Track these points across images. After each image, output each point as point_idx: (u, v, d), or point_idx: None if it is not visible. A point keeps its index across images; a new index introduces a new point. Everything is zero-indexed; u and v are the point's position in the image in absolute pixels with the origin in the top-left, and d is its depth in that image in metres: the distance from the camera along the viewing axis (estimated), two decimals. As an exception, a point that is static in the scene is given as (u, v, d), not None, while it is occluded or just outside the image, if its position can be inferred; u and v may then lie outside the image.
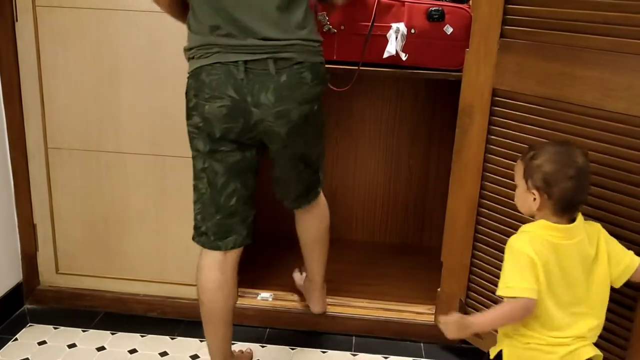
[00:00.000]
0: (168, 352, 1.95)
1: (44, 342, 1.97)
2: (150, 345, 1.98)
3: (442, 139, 1.93)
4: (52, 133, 2.00)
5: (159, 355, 1.93)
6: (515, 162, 1.71)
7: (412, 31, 1.96)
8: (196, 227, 1.62)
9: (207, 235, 1.59)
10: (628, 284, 1.41)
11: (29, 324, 2.07)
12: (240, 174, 1.55)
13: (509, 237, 1.65)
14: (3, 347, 1.94)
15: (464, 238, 1.86)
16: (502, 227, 1.76)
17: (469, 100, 1.79)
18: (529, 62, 1.64)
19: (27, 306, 2.14)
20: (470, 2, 1.93)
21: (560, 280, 1.31)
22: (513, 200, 1.71)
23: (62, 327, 2.05)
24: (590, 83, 1.52)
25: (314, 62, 1.49)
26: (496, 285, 1.77)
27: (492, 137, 1.75)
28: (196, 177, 1.58)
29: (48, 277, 2.14)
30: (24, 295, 2.14)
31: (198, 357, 1.93)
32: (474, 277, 1.87)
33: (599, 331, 1.38)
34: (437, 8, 1.94)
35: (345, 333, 2.05)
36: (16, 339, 1.98)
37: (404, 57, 1.97)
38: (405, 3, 1.96)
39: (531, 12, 1.62)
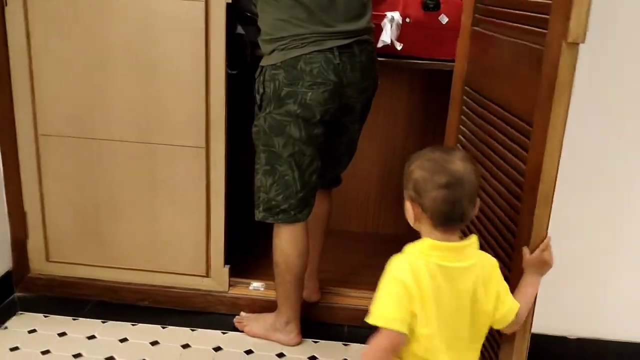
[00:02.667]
0: (159, 341, 1.87)
1: (34, 331, 1.88)
2: (141, 334, 1.90)
3: (437, 130, 1.87)
4: (43, 120, 1.90)
5: (150, 345, 1.85)
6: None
7: (407, 20, 1.89)
8: (271, 207, 1.68)
9: (286, 212, 1.67)
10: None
11: (19, 312, 1.98)
12: (321, 151, 1.65)
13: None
14: (-7, 335, 1.86)
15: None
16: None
17: (460, 91, 1.70)
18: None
19: (17, 294, 2.04)
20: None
21: (449, 311, 1.09)
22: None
23: (52, 316, 1.96)
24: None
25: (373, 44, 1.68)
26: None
27: (462, 127, 1.67)
28: (276, 162, 1.63)
29: (38, 264, 2.04)
30: (14, 283, 2.04)
31: (189, 346, 1.85)
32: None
33: None
34: (433, -3, 1.87)
35: (337, 323, 1.98)
36: (6, 327, 1.89)
37: (398, 46, 1.89)
38: (401, -9, 1.88)
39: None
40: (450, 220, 1.09)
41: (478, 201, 1.12)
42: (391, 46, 1.89)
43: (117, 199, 1.95)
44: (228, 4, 1.75)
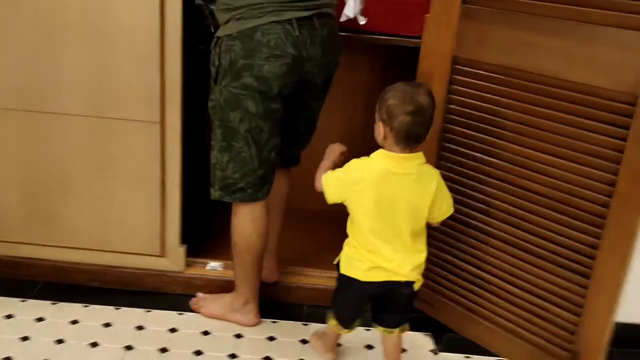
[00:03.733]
0: (112, 323, 1.78)
1: (-21, 313, 1.78)
2: (93, 316, 1.80)
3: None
4: (-13, 92, 1.77)
5: (102, 326, 1.75)
6: (474, 132, 1.60)
7: (371, -6, 1.80)
8: (228, 185, 1.61)
9: (244, 190, 1.60)
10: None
11: (-37, 293, 1.86)
12: (279, 127, 1.58)
13: (462, 206, 1.64)
14: None
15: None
16: (457, 196, 1.64)
17: (428, 68, 1.65)
18: (491, 30, 1.51)
19: (-42, 275, 1.93)
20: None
21: (384, 208, 1.38)
22: (470, 171, 1.61)
23: (-1, 297, 1.86)
24: (553, 53, 1.40)
25: (335, 18, 1.61)
26: (450, 255, 1.69)
27: (451, 106, 1.63)
28: (233, 138, 1.55)
29: (-17, 244, 1.92)
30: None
31: (143, 328, 1.76)
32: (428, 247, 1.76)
33: (412, 265, 1.43)
34: (397, -29, 1.79)
35: (296, 303, 1.92)
36: (-51, 310, 1.78)
37: (362, 21, 1.81)
38: (365, -36, 1.79)
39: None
40: (409, 140, 1.36)
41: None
42: (354, 20, 1.80)
43: (67, 175, 1.83)
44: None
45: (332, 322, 1.58)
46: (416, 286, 1.47)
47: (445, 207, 1.44)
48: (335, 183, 1.43)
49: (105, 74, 1.73)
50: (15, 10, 1.69)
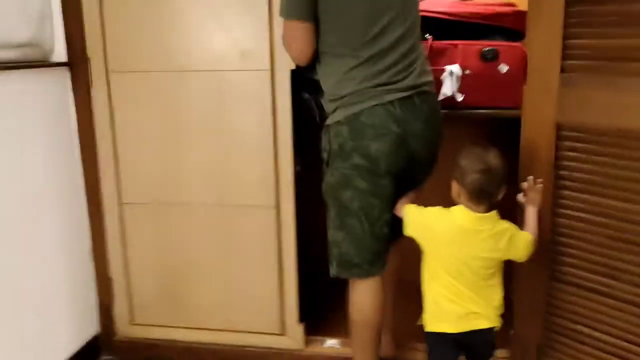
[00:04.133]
0: (239, 401, 1.83)
1: (120, 393, 1.89)
2: (221, 394, 1.87)
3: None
4: (125, 188, 1.97)
5: (230, 405, 1.81)
6: (589, 195, 1.57)
7: (467, 72, 1.86)
8: (345, 262, 1.64)
9: (360, 266, 1.63)
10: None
11: (106, 375, 2.00)
12: (390, 203, 1.61)
13: (588, 272, 1.60)
14: (81, 398, 1.87)
15: (539, 277, 1.69)
16: (581, 262, 1.60)
17: (531, 137, 1.65)
18: (593, 94, 1.51)
19: (104, 358, 2.07)
20: (525, 40, 1.82)
21: (457, 258, 1.49)
22: (588, 234, 1.56)
23: (137, 378, 1.97)
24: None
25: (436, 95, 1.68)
26: (579, 324, 1.60)
27: (561, 172, 1.60)
28: (346, 215, 1.60)
29: (123, 328, 2.07)
30: (101, 347, 2.07)
31: (269, 406, 1.80)
32: (552, 317, 1.69)
33: (490, 307, 1.50)
34: (490, 48, 1.84)
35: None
36: (93, 391, 1.91)
37: (459, 97, 1.86)
38: (459, 45, 1.86)
39: (592, 45, 1.50)
40: (480, 196, 1.46)
41: (504, 187, 1.48)
42: (452, 98, 1.86)
43: (194, 260, 1.97)
44: (292, 71, 1.79)
45: None
46: (497, 326, 1.54)
47: (522, 246, 1.51)
48: (415, 217, 1.57)
49: (225, 166, 1.89)
50: (145, 115, 1.91)
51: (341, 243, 1.63)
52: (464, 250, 1.49)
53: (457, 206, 1.52)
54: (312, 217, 2.04)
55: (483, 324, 1.51)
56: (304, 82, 1.95)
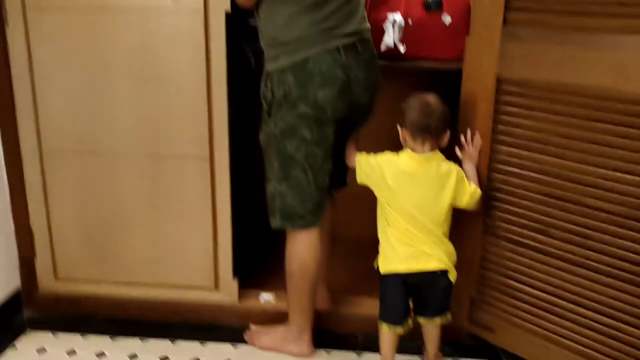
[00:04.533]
0: (169, 356, 1.76)
1: (43, 350, 1.78)
2: (151, 349, 1.79)
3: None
4: (46, 136, 1.81)
5: (160, 360, 1.75)
6: (526, 151, 1.55)
7: (409, 21, 1.78)
8: (289, 214, 1.61)
9: (304, 217, 1.60)
10: None
11: (28, 331, 1.88)
12: (331, 152, 1.60)
13: (520, 228, 1.59)
14: (2, 355, 1.75)
15: (473, 232, 1.68)
16: (514, 218, 1.59)
17: (472, 90, 1.61)
18: (536, 48, 1.46)
19: (25, 313, 1.95)
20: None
21: (405, 201, 1.53)
22: (525, 190, 1.56)
23: (61, 334, 1.86)
24: (605, 66, 1.34)
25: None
26: (509, 278, 1.63)
27: (499, 126, 1.57)
28: (290, 166, 1.57)
29: (47, 283, 1.94)
30: (23, 302, 1.95)
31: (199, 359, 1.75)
32: (485, 271, 1.69)
33: (442, 251, 1.54)
34: (435, -3, 1.76)
35: (350, 332, 1.87)
36: (15, 347, 1.80)
37: (402, 48, 1.79)
38: (403, -8, 1.78)
39: (536, -4, 1.44)
40: (421, 131, 1.49)
41: (448, 132, 1.52)
42: (394, 48, 1.78)
43: (122, 213, 1.86)
44: (228, 15, 1.66)
45: (384, 327, 1.61)
46: (452, 277, 1.56)
47: (467, 197, 1.54)
48: (366, 165, 1.58)
49: (154, 114, 1.77)
50: (68, 58, 1.74)
51: (285, 195, 1.59)
52: (415, 193, 1.52)
53: (403, 150, 1.55)
54: (247, 168, 1.96)
55: (433, 264, 1.53)
56: (240, 28, 1.83)
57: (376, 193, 1.58)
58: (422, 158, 1.51)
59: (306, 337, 1.74)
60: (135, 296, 1.91)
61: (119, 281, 1.91)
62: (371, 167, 1.57)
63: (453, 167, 1.54)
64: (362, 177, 1.59)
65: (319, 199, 1.61)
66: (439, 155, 1.53)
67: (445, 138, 1.53)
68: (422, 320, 1.64)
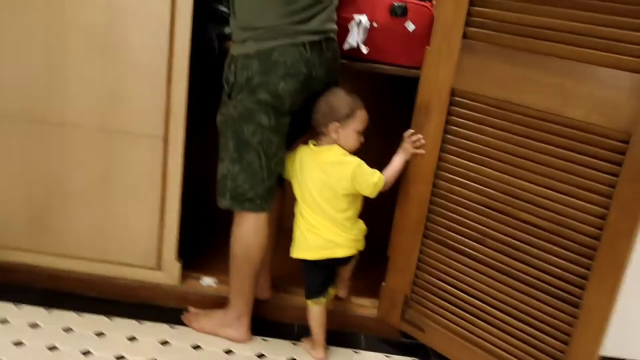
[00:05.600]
0: (104, 332, 1.74)
1: (-27, 317, 1.73)
2: (86, 324, 1.76)
3: (398, 137, 1.82)
4: (-5, 98, 1.75)
5: (94, 335, 1.72)
6: (471, 162, 1.61)
7: (374, 24, 1.81)
8: (238, 195, 1.62)
9: (253, 201, 1.62)
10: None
11: (-42, 297, 1.82)
12: (285, 141, 1.63)
13: (458, 235, 1.66)
14: None
15: (413, 234, 1.73)
16: (452, 224, 1.64)
17: (427, 98, 1.65)
18: (490, 64, 1.51)
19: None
20: (434, 0, 1.80)
21: (312, 189, 1.64)
22: (466, 200, 1.61)
23: (-7, 302, 1.81)
24: (551, 89, 1.41)
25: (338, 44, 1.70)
26: (442, 281, 1.68)
27: (448, 136, 1.62)
28: (244, 149, 1.59)
29: (-18, 248, 1.88)
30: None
31: (135, 338, 1.73)
32: (421, 272, 1.74)
33: (353, 237, 1.67)
34: (400, 3, 1.79)
35: (287, 322, 1.89)
36: (-57, 313, 1.74)
37: (364, 50, 1.81)
38: (370, -5, 1.80)
39: (496, 16, 1.50)
40: (314, 130, 1.65)
41: (332, 125, 1.61)
42: (357, 49, 1.80)
43: (68, 185, 1.81)
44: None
45: (309, 303, 1.73)
46: (361, 247, 1.72)
47: (368, 188, 1.62)
48: (289, 160, 1.69)
49: (111, 87, 1.73)
50: (20, 18, 1.68)
51: (237, 176, 1.61)
52: (316, 182, 1.63)
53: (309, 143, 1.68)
54: (198, 150, 1.94)
55: (341, 253, 1.67)
56: (207, 11, 1.81)
57: (294, 188, 1.69)
58: (320, 149, 1.64)
59: (245, 322, 1.75)
60: (75, 270, 1.88)
61: (59, 253, 1.87)
62: (291, 161, 1.68)
63: (351, 158, 1.63)
64: (288, 173, 1.70)
65: (269, 185, 1.63)
66: (334, 149, 1.63)
67: (330, 129, 1.62)
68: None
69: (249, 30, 1.52)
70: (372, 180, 1.61)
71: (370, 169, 1.62)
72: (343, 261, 1.72)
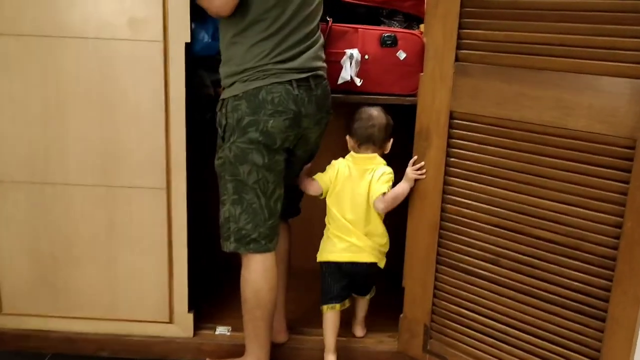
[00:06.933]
0: (121, 394, 1.70)
1: (-15, 390, 1.69)
2: (101, 387, 1.72)
3: (399, 165, 1.81)
4: (-4, 166, 1.75)
5: (111, 398, 1.67)
6: (477, 183, 1.60)
7: (366, 57, 1.83)
8: (242, 237, 1.61)
9: (257, 241, 1.61)
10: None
11: (-31, 370, 1.77)
12: (282, 179, 1.64)
13: (471, 257, 1.64)
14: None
15: (426, 262, 1.70)
16: (465, 247, 1.62)
17: (426, 124, 1.65)
18: (485, 84, 1.52)
19: (-33, 351, 1.84)
20: (422, 27, 1.82)
21: (344, 193, 1.72)
22: (476, 221, 1.60)
23: (5, 372, 1.77)
24: (551, 103, 1.41)
25: (328, 80, 1.72)
26: (461, 307, 1.64)
27: (451, 159, 1.61)
28: (243, 190, 1.59)
29: (-9, 318, 1.85)
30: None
31: (153, 397, 1.68)
32: (438, 300, 1.70)
33: (374, 243, 1.73)
34: (389, 34, 1.82)
35: (307, 364, 1.85)
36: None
37: (358, 82, 1.82)
38: (359, 29, 1.82)
39: (485, 36, 1.51)
40: (366, 141, 1.71)
41: (391, 140, 1.73)
42: (351, 82, 1.82)
43: (74, 245, 1.79)
44: (187, 44, 1.67)
45: (324, 308, 1.77)
46: (381, 265, 1.76)
47: (372, 194, 1.69)
48: (322, 177, 1.75)
49: (110, 142, 1.73)
50: (18, 82, 1.69)
51: (238, 218, 1.60)
52: (349, 189, 1.71)
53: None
54: (203, 199, 1.93)
55: (363, 258, 1.72)
56: (200, 60, 1.83)
57: (329, 197, 1.74)
58: (360, 157, 1.71)
59: None
60: (86, 331, 1.84)
61: (69, 316, 1.83)
62: (325, 177, 1.74)
63: (384, 167, 1.70)
64: (324, 182, 1.74)
65: (271, 224, 1.62)
66: (378, 159, 1.71)
67: (388, 145, 1.73)
68: (354, 295, 1.85)
69: (236, 74, 1.55)
70: (378, 188, 1.67)
71: (389, 184, 1.69)
72: (365, 270, 1.74)
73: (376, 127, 1.69)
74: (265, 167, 1.57)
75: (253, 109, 1.53)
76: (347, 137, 1.73)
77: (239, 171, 1.57)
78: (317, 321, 1.88)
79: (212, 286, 2.12)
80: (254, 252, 1.61)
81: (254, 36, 1.52)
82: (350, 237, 1.71)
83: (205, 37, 1.77)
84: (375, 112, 1.71)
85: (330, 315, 1.75)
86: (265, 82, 1.53)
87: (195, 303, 1.87)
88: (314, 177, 1.74)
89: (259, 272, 1.63)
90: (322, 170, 1.76)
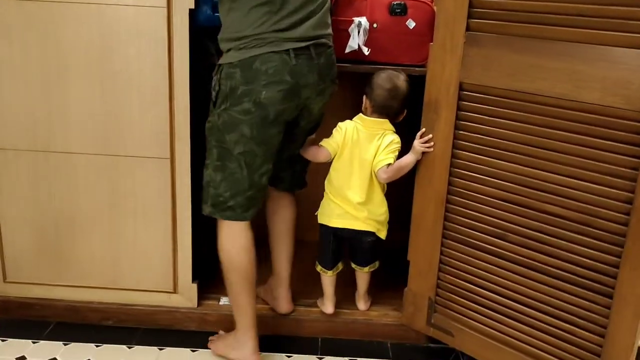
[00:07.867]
0: (125, 362, 1.72)
1: (-10, 356, 1.72)
2: (106, 355, 1.74)
3: (408, 136, 1.79)
4: (-2, 133, 1.74)
5: (115, 366, 1.70)
6: (485, 156, 1.58)
7: (374, 25, 1.79)
8: (219, 203, 1.62)
9: (233, 209, 1.61)
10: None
11: (-25, 336, 1.80)
12: (274, 154, 1.62)
13: (478, 232, 1.63)
14: (-54, 362, 1.68)
15: (432, 235, 1.69)
16: (472, 222, 1.61)
17: (435, 95, 1.62)
18: (497, 55, 1.49)
19: (-28, 318, 1.87)
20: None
21: (350, 157, 1.72)
22: (484, 195, 1.59)
23: (10, 340, 1.78)
24: (563, 75, 1.38)
25: (333, 47, 1.67)
26: (467, 282, 1.63)
27: (460, 131, 1.59)
28: (227, 158, 1.58)
29: (-5, 286, 1.87)
30: (-31, 306, 1.87)
31: (157, 366, 1.71)
32: (444, 274, 1.70)
33: (369, 213, 1.74)
34: (399, 2, 1.78)
35: (310, 336, 1.86)
36: (-40, 354, 1.72)
37: (366, 51, 1.80)
38: (368, -4, 1.79)
39: (498, 5, 1.47)
40: (383, 111, 1.70)
41: (405, 112, 1.73)
42: (358, 52, 1.79)
43: (77, 214, 1.80)
44: (191, 10, 1.64)
45: (318, 268, 1.85)
46: (381, 235, 1.79)
47: (379, 160, 1.69)
48: (330, 141, 1.73)
49: (113, 111, 1.72)
50: (19, 50, 1.68)
51: (218, 184, 1.60)
52: (356, 150, 1.70)
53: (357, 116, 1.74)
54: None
55: (358, 225, 1.76)
56: (204, 30, 1.81)
57: (334, 159, 1.74)
58: (371, 120, 1.70)
59: (250, 343, 1.67)
60: (90, 300, 1.86)
61: (73, 284, 1.85)
62: (333, 140, 1.72)
63: (393, 136, 1.70)
64: (331, 147, 1.72)
65: (251, 195, 1.61)
66: (388, 125, 1.71)
67: (401, 117, 1.73)
68: (353, 266, 1.87)
69: (233, 40, 1.51)
70: (384, 158, 1.67)
71: (395, 155, 1.69)
72: (360, 237, 1.78)
73: (397, 100, 1.68)
74: (254, 139, 1.54)
75: (247, 78, 1.50)
76: (364, 98, 1.71)
77: (225, 139, 1.56)
78: (322, 293, 1.89)
79: (217, 257, 2.13)
80: (227, 219, 1.62)
81: (251, 2, 1.47)
82: (346, 205, 1.74)
83: (207, 10, 1.74)
84: (400, 82, 1.68)
85: (326, 275, 1.85)
86: (262, 50, 1.49)
87: (200, 273, 1.88)
88: (320, 143, 1.73)
89: (231, 239, 1.64)
90: (328, 137, 1.74)
